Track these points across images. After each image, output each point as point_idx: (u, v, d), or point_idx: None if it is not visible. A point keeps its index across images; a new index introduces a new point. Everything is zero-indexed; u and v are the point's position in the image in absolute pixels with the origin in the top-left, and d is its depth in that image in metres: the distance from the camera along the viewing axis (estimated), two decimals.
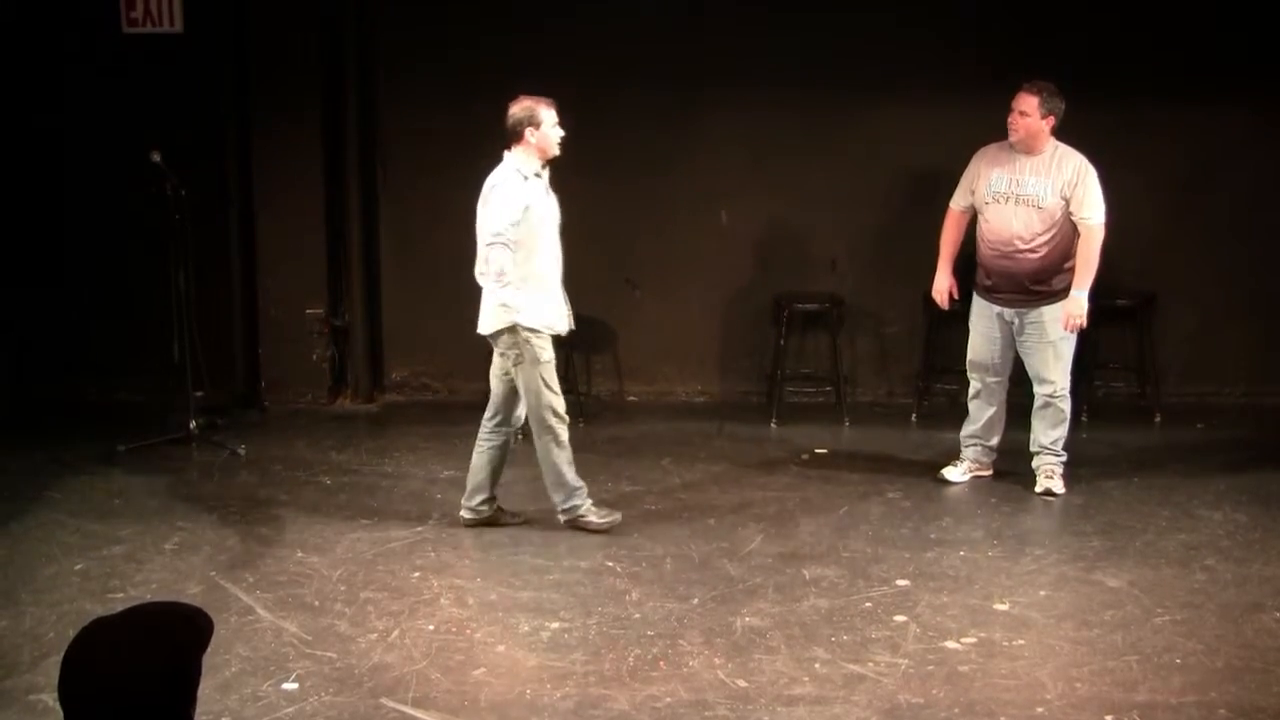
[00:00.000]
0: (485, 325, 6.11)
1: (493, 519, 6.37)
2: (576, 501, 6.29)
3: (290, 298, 8.32)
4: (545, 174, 6.14)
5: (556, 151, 6.10)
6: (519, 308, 5.97)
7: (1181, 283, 8.27)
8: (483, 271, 5.99)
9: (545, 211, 6.08)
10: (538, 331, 6.04)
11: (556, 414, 6.15)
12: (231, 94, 8.16)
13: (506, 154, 6.08)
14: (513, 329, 6.02)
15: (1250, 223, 8.24)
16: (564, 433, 6.20)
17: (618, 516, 6.34)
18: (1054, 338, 6.64)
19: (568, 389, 8.29)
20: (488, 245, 5.93)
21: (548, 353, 6.09)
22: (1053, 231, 6.54)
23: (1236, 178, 8.20)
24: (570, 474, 6.26)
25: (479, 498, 6.35)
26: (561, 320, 6.19)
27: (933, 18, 7.96)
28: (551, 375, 6.14)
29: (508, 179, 6.01)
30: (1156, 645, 5.14)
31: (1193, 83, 7.97)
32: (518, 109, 6.05)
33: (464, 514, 6.37)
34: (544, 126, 6.02)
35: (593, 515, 6.29)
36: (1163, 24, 7.95)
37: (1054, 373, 6.68)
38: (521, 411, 6.26)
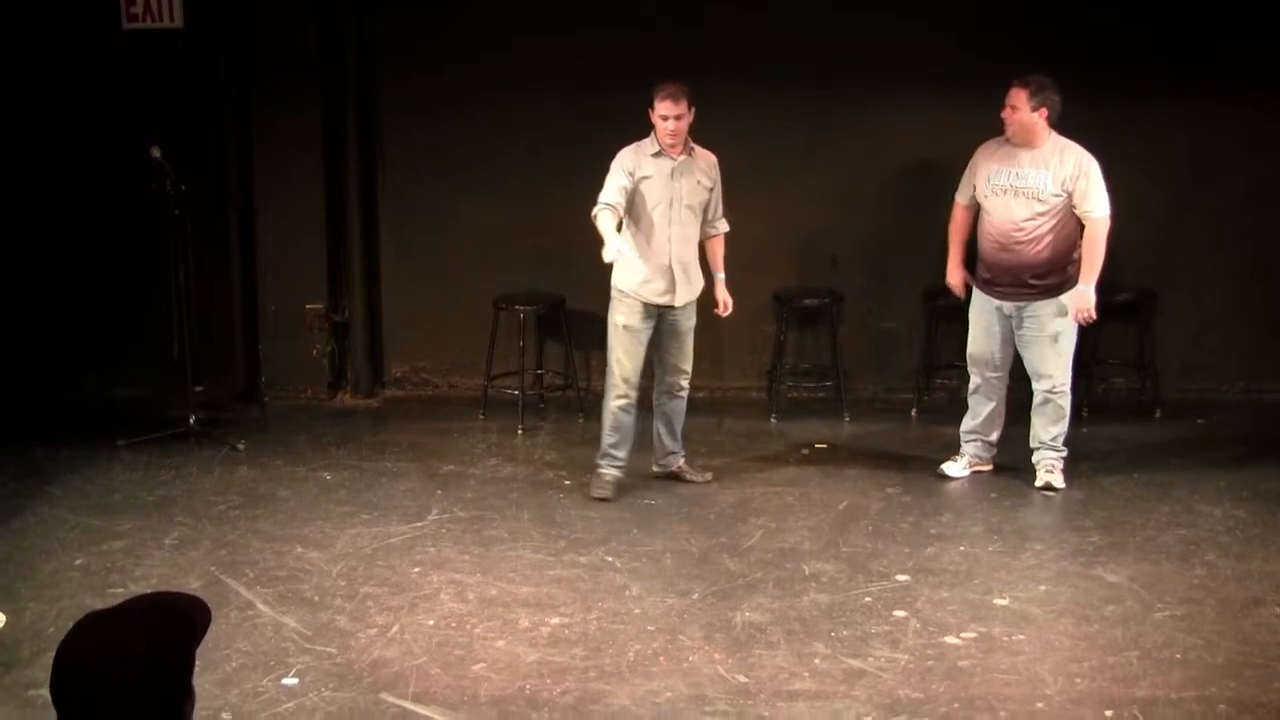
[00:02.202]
0: None
1: (674, 474, 6.88)
2: (599, 459, 6.69)
3: (290, 293, 8.30)
4: (683, 157, 6.44)
5: (666, 141, 6.37)
6: (618, 270, 6.41)
7: (1182, 279, 8.25)
8: None
9: (655, 186, 6.38)
10: (622, 293, 6.48)
11: (613, 381, 6.56)
12: (231, 89, 8.13)
13: None
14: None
15: (1251, 219, 8.21)
16: (614, 401, 6.56)
17: (607, 494, 6.61)
18: (1052, 331, 6.63)
19: (566, 384, 8.34)
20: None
21: (623, 317, 6.50)
22: (1053, 224, 6.52)
23: (1238, 175, 8.17)
24: (605, 438, 6.64)
25: (660, 452, 6.87)
26: (654, 295, 6.47)
27: (934, 14, 7.94)
28: (623, 343, 6.51)
29: (622, 152, 6.40)
30: (1156, 640, 5.15)
31: (1195, 80, 7.93)
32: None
33: (653, 467, 6.89)
34: (654, 115, 6.37)
35: (596, 479, 6.67)
36: (1165, 21, 7.93)
37: (1052, 367, 6.67)
38: (677, 367, 6.68)
